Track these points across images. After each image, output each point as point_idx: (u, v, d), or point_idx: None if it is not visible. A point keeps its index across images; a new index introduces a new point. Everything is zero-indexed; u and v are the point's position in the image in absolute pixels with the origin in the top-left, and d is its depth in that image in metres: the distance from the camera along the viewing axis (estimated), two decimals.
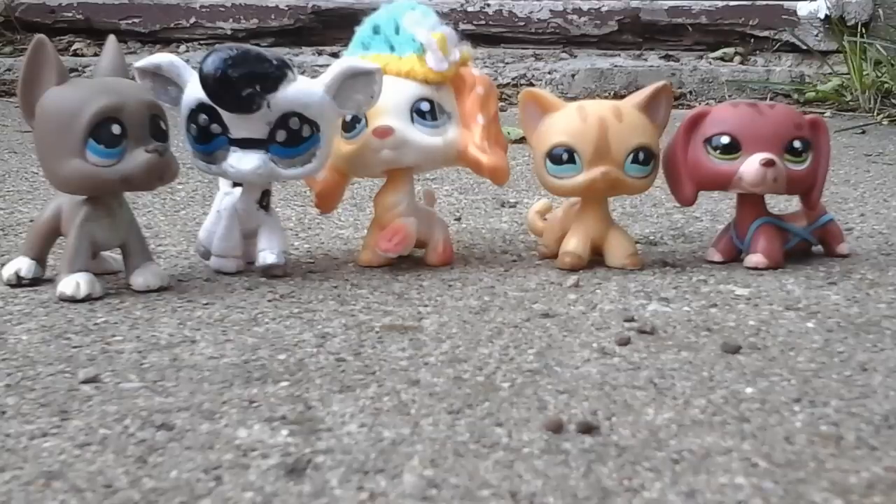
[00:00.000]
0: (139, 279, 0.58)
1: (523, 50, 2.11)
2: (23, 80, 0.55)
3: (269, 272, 0.61)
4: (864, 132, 1.38)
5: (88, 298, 0.56)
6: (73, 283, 0.56)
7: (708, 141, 0.63)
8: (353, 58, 0.63)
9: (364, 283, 0.61)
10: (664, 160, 0.65)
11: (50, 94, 0.55)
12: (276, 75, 0.57)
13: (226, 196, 0.63)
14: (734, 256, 0.66)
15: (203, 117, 0.59)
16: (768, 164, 0.61)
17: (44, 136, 0.55)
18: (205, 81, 0.56)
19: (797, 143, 0.63)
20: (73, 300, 0.55)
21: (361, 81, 0.59)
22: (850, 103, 1.60)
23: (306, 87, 0.59)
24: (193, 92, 0.59)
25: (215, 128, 0.59)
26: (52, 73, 0.55)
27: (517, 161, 0.99)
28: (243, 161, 0.59)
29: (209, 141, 0.59)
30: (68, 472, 0.35)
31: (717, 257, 0.66)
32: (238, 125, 0.58)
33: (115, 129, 0.54)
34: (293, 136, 0.58)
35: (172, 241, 0.72)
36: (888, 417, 0.40)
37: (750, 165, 0.61)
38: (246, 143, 0.58)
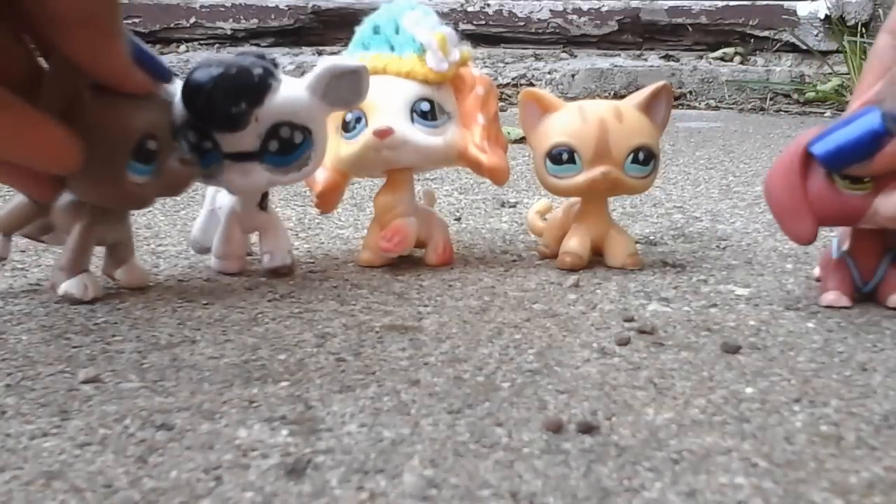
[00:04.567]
0: (125, 276, 0.58)
1: (523, 50, 2.11)
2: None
3: (277, 273, 0.62)
4: None
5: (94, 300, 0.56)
6: (81, 284, 0.55)
7: None
8: (337, 57, 0.62)
9: (364, 283, 0.61)
10: (772, 191, 0.54)
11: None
12: (261, 87, 0.56)
13: (218, 192, 0.63)
14: (852, 294, 0.56)
15: (192, 135, 0.57)
16: None
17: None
18: (189, 105, 0.55)
19: None
20: (79, 302, 0.55)
21: (347, 80, 0.58)
22: None
23: (292, 92, 0.57)
24: (180, 109, 0.57)
25: (207, 144, 0.57)
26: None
27: (517, 161, 0.99)
28: (245, 177, 0.58)
29: (202, 157, 0.58)
30: (68, 472, 0.35)
31: (846, 301, 0.55)
32: (229, 141, 0.57)
33: (152, 144, 0.52)
34: (286, 145, 0.57)
35: (172, 241, 0.72)
36: (888, 417, 0.40)
37: (889, 199, 0.51)
38: (240, 156, 0.57)
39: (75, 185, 0.53)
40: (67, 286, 0.55)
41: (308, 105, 0.58)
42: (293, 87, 0.58)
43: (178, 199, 0.87)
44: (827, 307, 0.56)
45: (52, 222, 0.57)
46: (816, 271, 0.61)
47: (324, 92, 0.58)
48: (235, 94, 0.55)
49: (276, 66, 0.58)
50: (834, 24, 1.88)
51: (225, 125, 0.56)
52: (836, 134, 0.52)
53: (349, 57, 0.63)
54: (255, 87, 0.56)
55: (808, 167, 0.53)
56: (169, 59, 2.01)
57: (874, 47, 0.56)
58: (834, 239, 0.58)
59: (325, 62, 0.59)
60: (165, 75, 0.53)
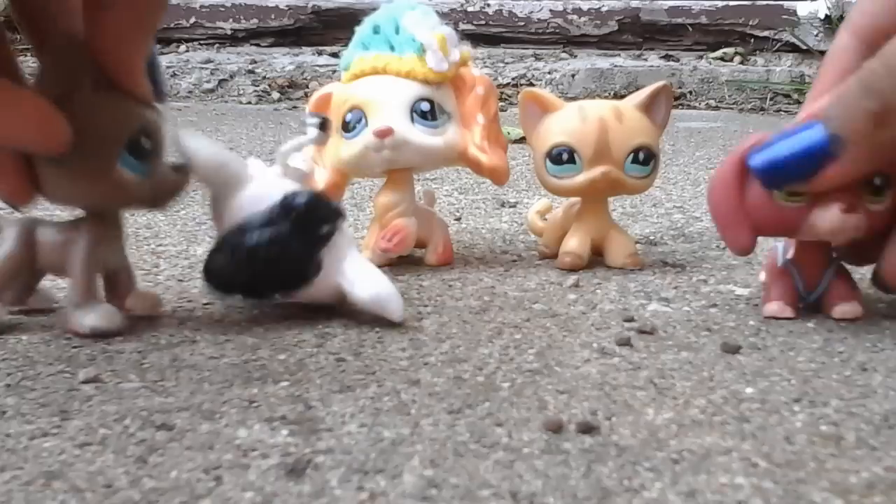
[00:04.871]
0: (137, 303, 0.53)
1: (523, 50, 2.11)
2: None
3: None
4: None
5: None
6: (104, 314, 0.50)
7: None
8: (389, 289, 0.52)
9: None
10: (712, 200, 0.53)
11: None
12: (300, 284, 0.51)
13: None
14: (796, 304, 0.54)
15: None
16: (849, 210, 0.49)
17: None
18: (219, 255, 0.50)
19: (877, 180, 0.50)
20: (110, 334, 0.50)
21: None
22: None
23: (326, 284, 0.52)
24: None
25: None
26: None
27: (517, 161, 0.99)
28: None
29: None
30: (68, 472, 0.35)
31: (789, 312, 0.53)
32: None
33: (146, 143, 0.49)
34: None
35: (172, 241, 0.72)
36: (888, 417, 0.40)
37: (827, 213, 0.49)
38: None
39: (60, 180, 0.48)
40: (92, 320, 0.49)
41: (337, 292, 0.53)
42: (333, 273, 0.52)
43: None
44: (772, 316, 0.53)
45: (41, 267, 0.51)
46: (762, 276, 0.58)
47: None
48: (268, 282, 0.51)
49: (325, 241, 0.51)
50: (834, 24, 1.88)
51: (240, 293, 0.51)
52: (775, 148, 0.49)
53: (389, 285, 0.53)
54: (292, 283, 0.51)
55: (746, 177, 0.51)
56: (169, 60, 2.00)
57: (832, 47, 0.53)
58: (779, 245, 0.56)
59: (371, 292, 0.52)
60: (162, 95, 0.51)
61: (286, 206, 0.50)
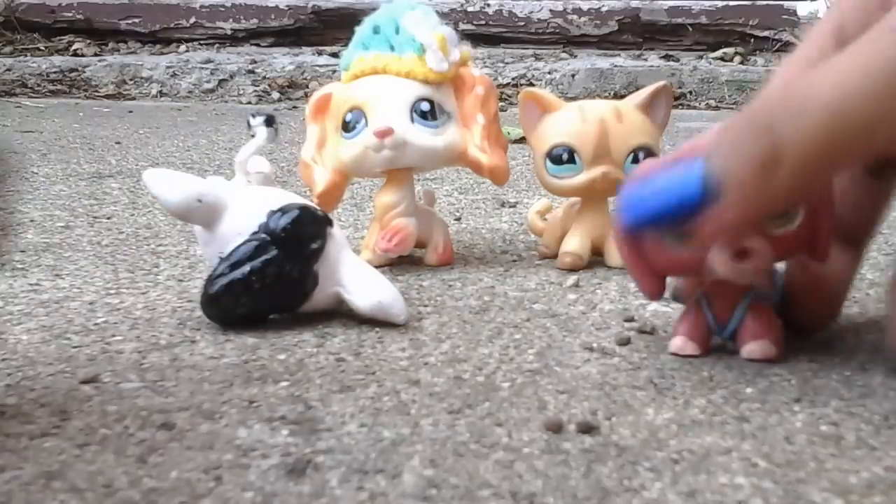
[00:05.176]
0: None
1: (523, 50, 2.11)
2: None
3: None
4: None
5: None
6: None
7: None
8: (384, 298, 0.52)
9: None
10: (620, 250, 0.48)
11: None
12: (298, 303, 0.52)
13: None
14: (704, 340, 0.48)
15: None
16: (741, 255, 0.43)
17: None
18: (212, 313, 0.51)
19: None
20: None
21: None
22: None
23: (324, 294, 0.52)
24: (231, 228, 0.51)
25: None
26: None
27: (517, 161, 0.99)
28: None
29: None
30: (68, 472, 0.35)
31: (692, 349, 0.47)
32: None
33: None
34: None
35: (172, 241, 0.72)
36: (888, 417, 0.40)
37: (718, 258, 0.43)
38: None
39: None
40: None
41: (336, 300, 0.53)
42: (332, 278, 0.52)
43: None
44: (676, 353, 0.47)
45: None
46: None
47: None
48: (269, 306, 0.51)
49: (318, 255, 0.51)
50: None
51: (243, 320, 0.51)
52: (645, 200, 0.43)
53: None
54: (292, 302, 0.51)
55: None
56: (169, 60, 2.00)
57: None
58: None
59: (376, 294, 0.52)
60: None
61: (271, 232, 0.50)
